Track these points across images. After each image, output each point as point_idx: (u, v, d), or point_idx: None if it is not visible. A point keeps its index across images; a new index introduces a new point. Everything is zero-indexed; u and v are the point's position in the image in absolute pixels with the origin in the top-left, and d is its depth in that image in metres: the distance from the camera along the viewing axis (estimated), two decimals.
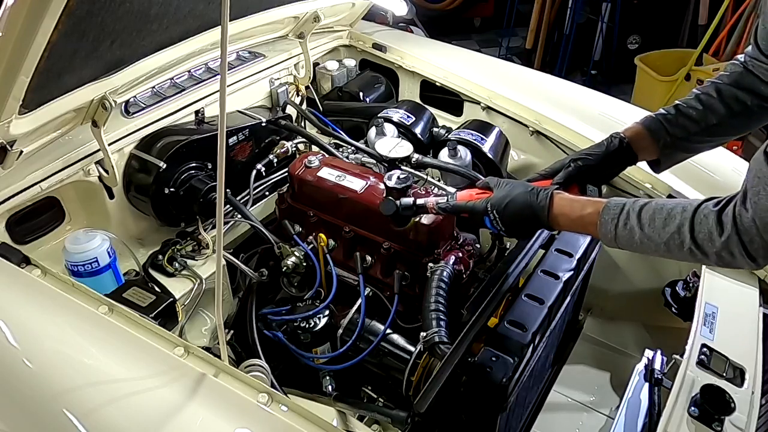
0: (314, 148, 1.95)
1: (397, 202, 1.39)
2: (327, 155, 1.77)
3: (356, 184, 1.55)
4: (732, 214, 0.96)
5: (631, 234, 1.07)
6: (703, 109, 1.30)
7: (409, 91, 2.29)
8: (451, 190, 1.52)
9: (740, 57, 1.30)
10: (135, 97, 1.68)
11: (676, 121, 1.32)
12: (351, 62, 2.31)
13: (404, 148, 1.78)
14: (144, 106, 1.70)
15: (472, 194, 1.29)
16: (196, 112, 1.80)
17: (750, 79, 1.26)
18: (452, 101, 2.20)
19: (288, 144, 1.94)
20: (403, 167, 1.70)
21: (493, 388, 1.14)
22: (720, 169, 1.76)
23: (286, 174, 1.75)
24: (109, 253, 1.48)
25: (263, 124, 1.88)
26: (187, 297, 1.54)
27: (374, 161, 1.79)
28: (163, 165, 1.59)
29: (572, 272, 1.41)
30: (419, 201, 1.37)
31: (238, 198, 1.77)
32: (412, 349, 1.42)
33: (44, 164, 1.48)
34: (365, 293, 1.50)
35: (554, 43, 4.92)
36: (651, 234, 1.05)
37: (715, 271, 1.56)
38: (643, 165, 1.74)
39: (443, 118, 2.21)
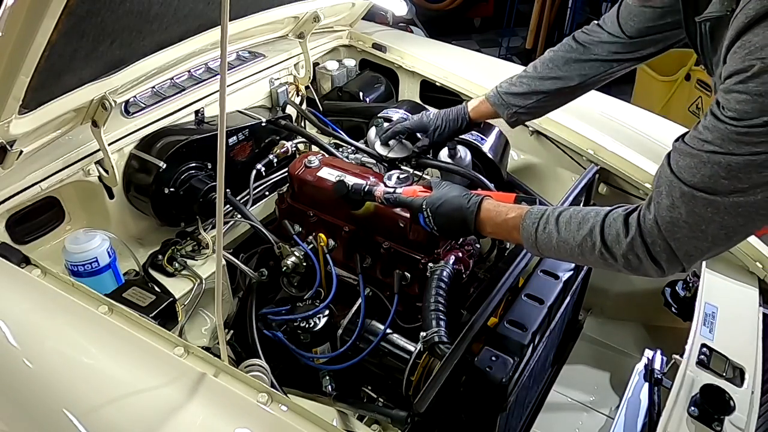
0: (314, 148, 1.95)
1: (349, 184, 1.45)
2: (327, 155, 1.77)
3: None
4: (637, 216, 1.00)
5: (550, 238, 1.10)
6: (531, 92, 1.52)
7: (409, 91, 2.29)
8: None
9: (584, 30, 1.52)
10: (135, 97, 1.68)
11: (511, 101, 1.55)
12: (351, 62, 2.32)
13: (404, 148, 1.78)
14: (144, 106, 1.70)
15: (416, 191, 1.36)
16: (196, 112, 1.80)
17: (581, 52, 1.49)
18: (452, 101, 2.20)
19: (288, 144, 1.94)
20: (402, 167, 1.70)
21: (493, 387, 1.14)
22: None
23: (286, 174, 1.75)
24: (109, 253, 1.48)
25: (263, 124, 1.88)
26: (187, 297, 1.54)
27: (374, 161, 1.79)
28: (163, 165, 1.59)
29: (572, 272, 1.41)
30: (369, 188, 1.43)
31: (238, 198, 1.77)
32: (411, 348, 1.42)
33: (44, 164, 1.48)
34: (365, 293, 1.50)
35: (554, 43, 4.90)
36: (566, 237, 1.08)
37: (714, 271, 1.56)
38: (643, 165, 1.75)
39: None
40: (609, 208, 1.06)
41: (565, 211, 1.11)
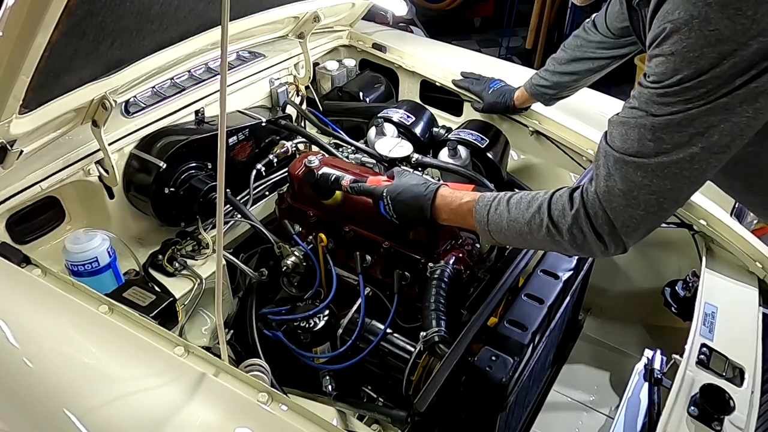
0: (314, 148, 1.95)
1: (318, 173, 1.51)
2: (327, 155, 1.77)
3: None
4: (581, 191, 1.03)
5: (500, 218, 1.14)
6: (554, 84, 1.76)
7: (409, 91, 2.29)
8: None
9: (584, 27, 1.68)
10: (135, 97, 1.68)
11: (541, 91, 1.81)
12: (351, 62, 2.32)
13: (404, 148, 1.78)
14: (144, 106, 1.70)
15: (380, 180, 1.40)
16: (196, 112, 1.80)
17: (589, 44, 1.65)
18: (452, 101, 2.20)
19: (288, 144, 1.94)
20: (402, 167, 1.71)
21: (493, 387, 1.14)
22: None
23: (286, 174, 1.75)
24: (109, 252, 1.48)
25: (263, 124, 1.88)
26: (187, 297, 1.54)
27: (374, 161, 1.80)
28: (163, 165, 1.59)
29: (572, 272, 1.41)
30: (336, 177, 1.47)
31: (238, 198, 1.77)
32: (411, 348, 1.42)
33: (44, 164, 1.48)
34: (365, 293, 1.50)
35: (554, 43, 4.91)
36: (516, 215, 1.11)
37: (714, 271, 1.56)
38: None
39: (443, 118, 2.21)
40: (557, 188, 1.09)
41: (516, 194, 1.15)
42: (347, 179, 1.45)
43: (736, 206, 1.68)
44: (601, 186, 0.98)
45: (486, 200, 1.18)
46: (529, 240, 1.12)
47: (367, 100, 2.18)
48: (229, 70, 1.93)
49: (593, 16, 1.66)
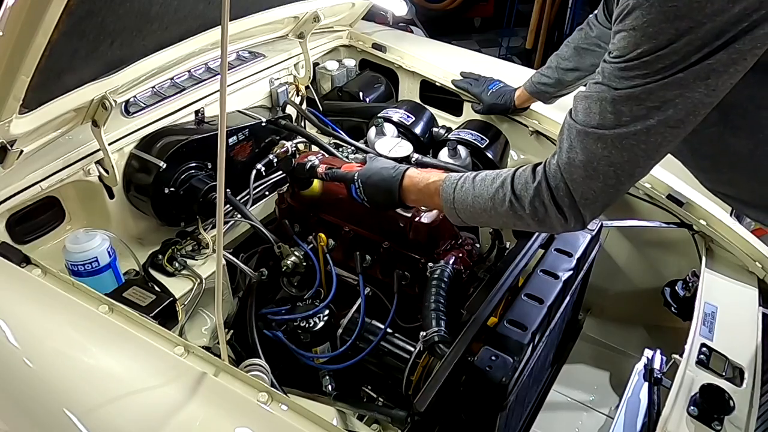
0: (314, 148, 1.95)
1: (294, 160, 1.56)
2: (327, 155, 1.77)
3: None
4: (544, 164, 1.07)
5: (466, 195, 1.17)
6: (556, 81, 1.76)
7: (409, 91, 2.29)
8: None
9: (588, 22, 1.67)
10: (135, 96, 1.68)
11: (542, 89, 1.81)
12: (351, 62, 2.32)
13: (404, 148, 1.78)
14: (144, 105, 1.70)
15: (354, 166, 1.44)
16: (196, 112, 1.80)
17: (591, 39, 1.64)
18: (452, 101, 2.20)
19: (288, 144, 1.94)
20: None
21: (493, 387, 1.14)
22: None
23: (286, 174, 1.75)
24: (109, 252, 1.48)
25: (263, 124, 1.88)
26: (187, 296, 1.54)
27: None
28: (163, 165, 1.59)
29: (572, 272, 1.41)
30: (312, 164, 1.51)
31: (238, 198, 1.77)
32: (411, 348, 1.42)
33: (44, 164, 1.48)
34: (365, 293, 1.50)
35: (554, 43, 4.92)
36: (481, 191, 1.15)
37: (714, 271, 1.56)
38: None
39: (443, 118, 2.21)
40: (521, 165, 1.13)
41: (482, 172, 1.18)
42: (322, 167, 1.49)
43: None
44: (563, 158, 1.02)
45: (452, 179, 1.21)
46: (494, 216, 1.15)
47: (367, 100, 2.18)
48: (229, 70, 1.93)
49: (595, 11, 1.66)
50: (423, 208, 1.46)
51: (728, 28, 0.84)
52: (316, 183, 1.56)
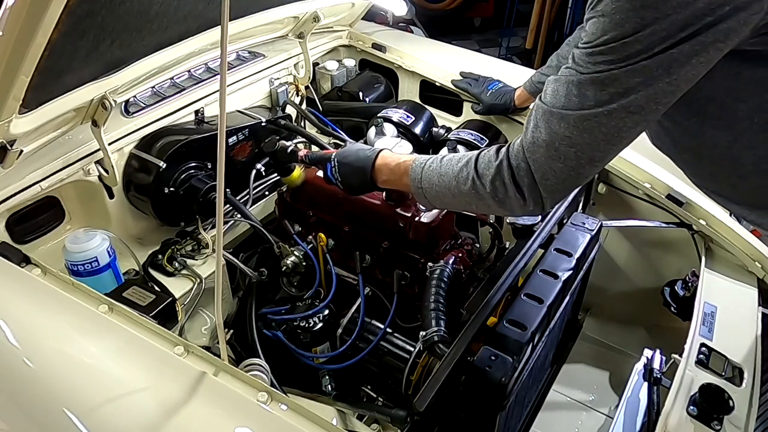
0: (314, 148, 1.95)
1: (278, 142, 1.59)
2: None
3: None
4: (507, 145, 1.10)
5: (432, 174, 1.20)
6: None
7: (409, 91, 2.29)
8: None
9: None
10: (135, 96, 1.68)
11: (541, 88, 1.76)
12: (351, 62, 2.32)
13: (404, 148, 1.78)
14: (144, 105, 1.70)
15: (333, 151, 1.45)
16: (196, 112, 1.80)
17: None
18: (452, 101, 2.20)
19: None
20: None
21: (493, 387, 1.14)
22: None
23: None
24: (108, 252, 1.48)
25: (263, 124, 1.88)
26: (187, 296, 1.54)
27: None
28: (162, 165, 1.59)
29: (571, 272, 1.41)
30: (294, 148, 1.55)
31: (238, 198, 1.77)
32: (411, 348, 1.42)
33: (44, 164, 1.48)
34: (365, 293, 1.50)
35: (554, 43, 4.92)
36: (447, 170, 1.17)
37: (714, 271, 1.56)
38: (643, 165, 1.76)
39: (443, 118, 2.21)
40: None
41: (451, 154, 1.22)
42: (304, 151, 1.52)
43: None
44: (528, 138, 1.04)
45: (422, 159, 1.24)
46: (457, 196, 1.16)
47: (367, 100, 2.18)
48: (228, 70, 1.93)
49: None
50: (423, 207, 1.47)
51: (692, 21, 0.86)
52: (298, 172, 1.58)
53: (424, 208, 1.46)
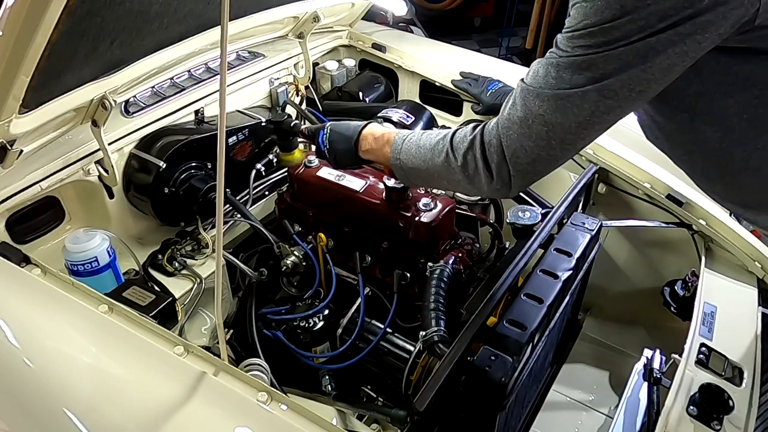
0: (314, 148, 1.95)
1: (287, 118, 1.69)
2: None
3: (355, 183, 1.56)
4: (484, 122, 1.12)
5: (410, 146, 1.24)
6: None
7: (409, 91, 2.29)
8: None
9: None
10: (135, 96, 1.68)
11: None
12: (350, 62, 2.32)
13: None
14: (144, 105, 1.70)
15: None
16: (196, 112, 1.80)
17: None
18: (452, 101, 2.20)
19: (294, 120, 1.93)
20: None
21: (492, 387, 1.14)
22: None
23: (286, 174, 1.75)
24: (108, 252, 1.48)
25: (263, 124, 1.88)
26: (187, 296, 1.54)
27: None
28: (162, 165, 1.59)
29: (571, 272, 1.41)
30: (297, 122, 1.65)
31: (238, 198, 1.78)
32: (411, 348, 1.42)
33: (44, 164, 1.48)
34: (365, 292, 1.50)
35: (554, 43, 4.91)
36: (425, 143, 1.22)
37: (714, 271, 1.56)
38: (643, 165, 1.76)
39: (443, 118, 2.21)
40: None
41: (433, 130, 1.25)
42: (305, 127, 1.57)
43: None
44: (504, 115, 1.07)
45: (405, 133, 1.29)
46: (430, 168, 1.20)
47: (367, 100, 2.18)
48: (228, 70, 1.93)
49: None
50: (422, 207, 1.47)
51: (672, 13, 0.87)
52: (297, 152, 1.63)
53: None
